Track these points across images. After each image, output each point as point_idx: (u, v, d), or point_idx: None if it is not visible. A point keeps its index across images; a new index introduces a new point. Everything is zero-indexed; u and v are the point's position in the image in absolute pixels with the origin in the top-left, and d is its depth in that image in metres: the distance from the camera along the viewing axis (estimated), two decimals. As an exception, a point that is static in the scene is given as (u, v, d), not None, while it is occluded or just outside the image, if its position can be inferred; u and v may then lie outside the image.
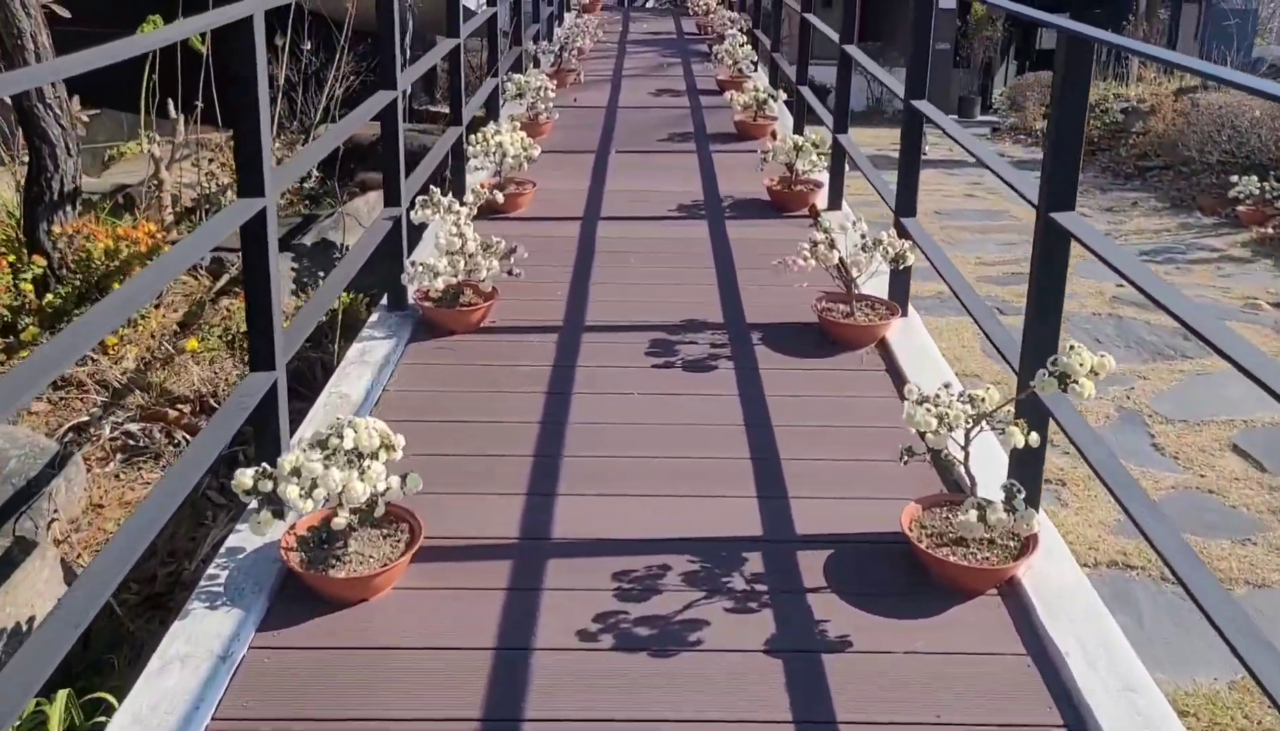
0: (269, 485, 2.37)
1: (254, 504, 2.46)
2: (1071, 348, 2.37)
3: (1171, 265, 7.27)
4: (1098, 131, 13.64)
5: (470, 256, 3.83)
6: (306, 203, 7.58)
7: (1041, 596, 2.49)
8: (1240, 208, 8.58)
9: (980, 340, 5.66)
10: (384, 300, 4.16)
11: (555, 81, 8.28)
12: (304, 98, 8.86)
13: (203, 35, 6.23)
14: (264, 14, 2.52)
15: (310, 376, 4.40)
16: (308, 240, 5.44)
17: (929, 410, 2.48)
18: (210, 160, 7.37)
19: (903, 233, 4.01)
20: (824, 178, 5.59)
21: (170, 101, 6.71)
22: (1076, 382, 2.34)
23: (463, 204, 4.12)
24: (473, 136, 5.35)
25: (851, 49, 5.17)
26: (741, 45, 8.38)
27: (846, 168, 5.51)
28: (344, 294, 4.69)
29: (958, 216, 9.03)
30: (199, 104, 6.70)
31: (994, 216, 8.91)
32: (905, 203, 4.09)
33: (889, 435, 3.28)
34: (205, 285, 5.14)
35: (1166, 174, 10.64)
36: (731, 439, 3.27)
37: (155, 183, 6.41)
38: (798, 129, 6.72)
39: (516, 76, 6.90)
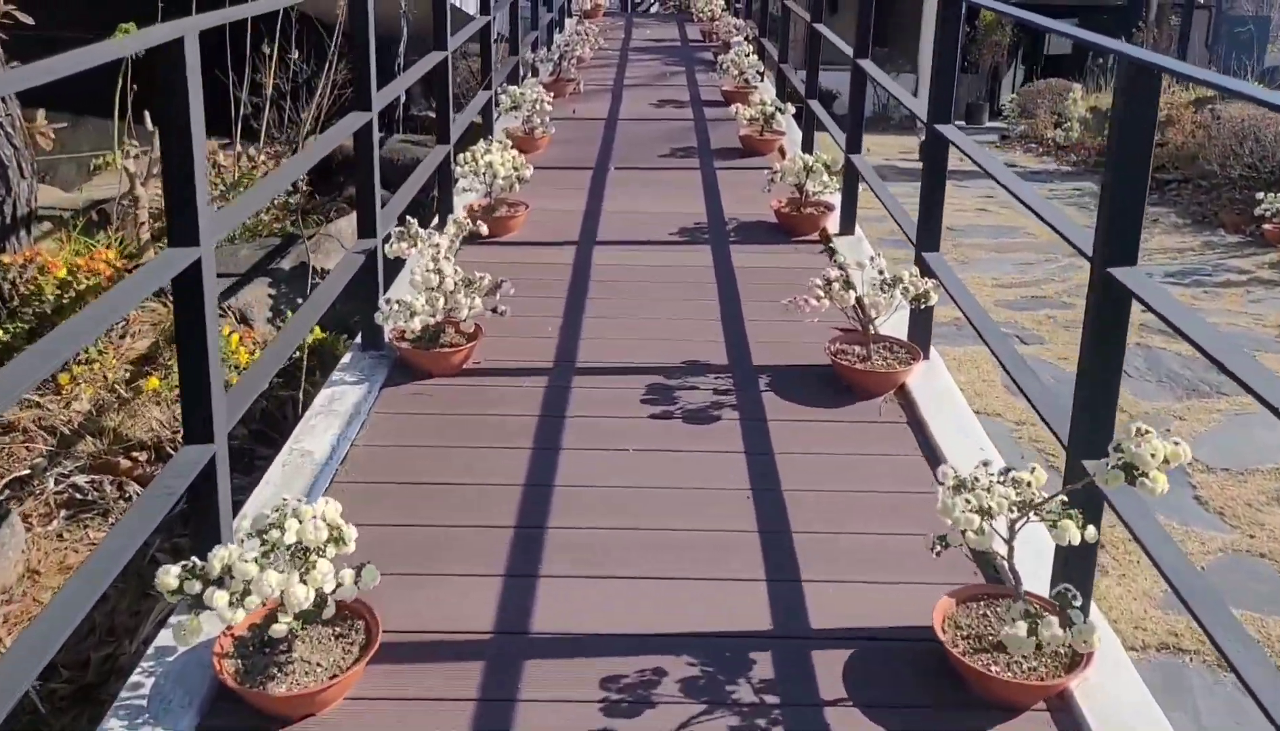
0: (197, 586, 2.02)
1: (183, 605, 2.11)
2: (1139, 431, 2.00)
3: (1199, 289, 6.91)
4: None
5: (450, 294, 3.48)
6: (293, 218, 7.23)
7: (1097, 713, 2.14)
8: (1267, 226, 8.20)
9: (1001, 373, 5.29)
10: (359, 338, 3.81)
11: (553, 91, 7.93)
12: (294, 106, 8.52)
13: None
14: (198, 37, 2.17)
15: (279, 419, 4.05)
16: (286, 264, 5.09)
17: (968, 502, 2.12)
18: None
19: (925, 269, 3.65)
20: (835, 199, 5.23)
21: (146, 112, 6.36)
22: (1145, 475, 1.97)
23: (443, 235, 3.76)
24: (461, 155, 5.00)
25: (866, 64, 4.82)
26: (747, 55, 8.03)
27: (860, 190, 5.16)
28: (317, 329, 4.34)
29: (971, 233, 8.67)
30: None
31: (1008, 233, 8.55)
32: (928, 235, 3.74)
33: (913, 503, 2.94)
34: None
35: (1186, 188, 10.27)
36: (737, 507, 2.91)
37: (130, 199, 6.06)
38: (806, 143, 6.37)
39: (512, 89, 6.55)
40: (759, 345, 3.94)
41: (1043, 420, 2.63)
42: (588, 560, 2.68)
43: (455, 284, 3.56)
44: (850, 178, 5.05)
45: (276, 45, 7.46)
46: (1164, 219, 9.27)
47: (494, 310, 3.65)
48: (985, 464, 2.29)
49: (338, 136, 3.51)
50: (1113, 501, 2.14)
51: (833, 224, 5.17)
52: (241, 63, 7.55)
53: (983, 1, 3.89)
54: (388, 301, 3.51)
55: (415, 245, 3.61)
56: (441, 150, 4.93)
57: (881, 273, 3.62)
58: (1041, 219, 2.66)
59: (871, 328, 3.62)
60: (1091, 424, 2.31)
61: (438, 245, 3.56)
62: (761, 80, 8.19)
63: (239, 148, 7.24)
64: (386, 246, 3.67)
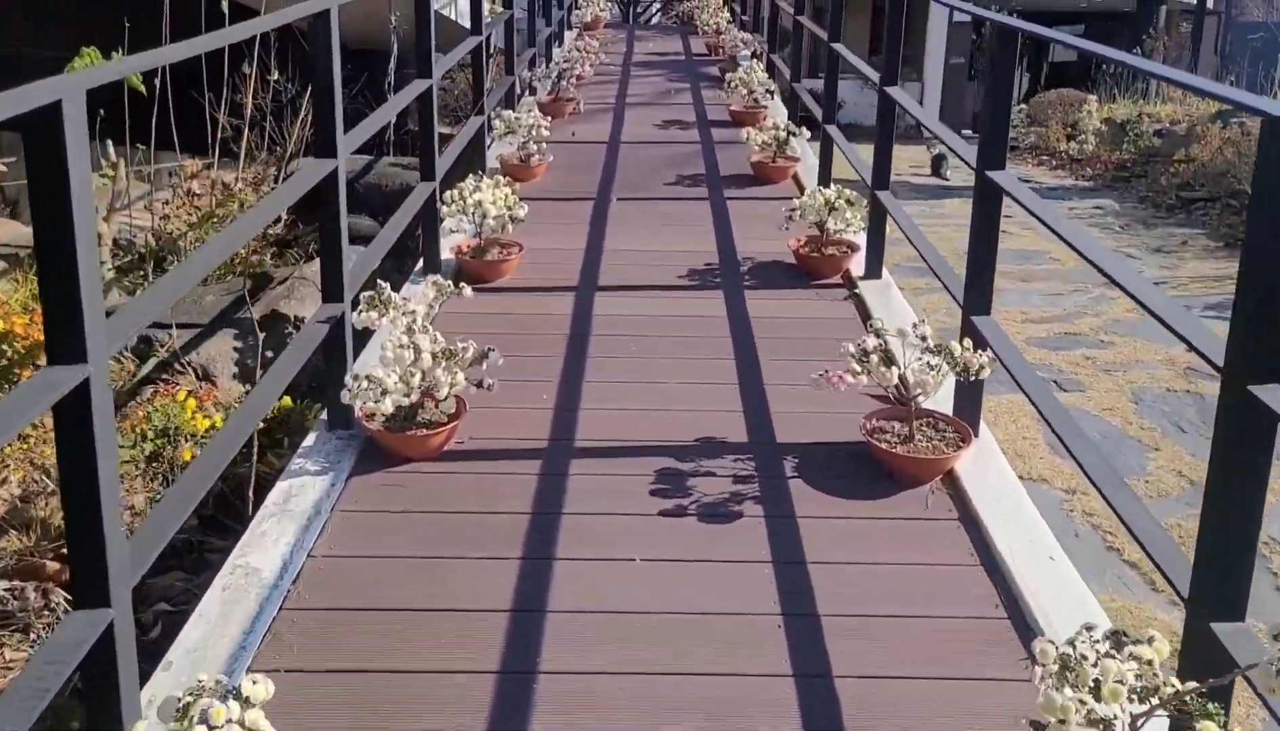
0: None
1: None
2: (1311, 617, 1.51)
3: (1243, 323, 6.41)
4: (1130, 156, 12.79)
5: (428, 370, 2.99)
6: (273, 253, 6.75)
7: None
8: (1306, 250, 7.72)
9: (1043, 429, 4.78)
10: (326, 414, 3.32)
11: (551, 112, 7.46)
12: (277, 126, 8.05)
13: (144, 75, 5.43)
14: (84, 97, 1.68)
15: (236, 503, 3.56)
16: (255, 313, 4.60)
17: (1081, 703, 1.62)
18: (166, 202, 6.55)
19: (975, 336, 3.16)
20: (860, 238, 4.74)
21: (109, 142, 5.88)
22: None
23: (419, 300, 3.28)
24: (448, 193, 4.52)
25: (897, 92, 4.33)
26: (757, 72, 7.54)
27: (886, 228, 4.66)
28: (285, 398, 3.86)
29: (993, 258, 8.16)
30: (141, 146, 5.89)
31: (1032, 258, 8.06)
32: (978, 296, 3.24)
33: (976, 630, 2.45)
34: (128, 370, 4.31)
35: (1214, 207, 9.78)
36: (766, 642, 2.41)
37: (93, 235, 5.58)
38: (824, 172, 5.88)
39: (506, 113, 6.06)
40: (782, 417, 3.44)
41: (1157, 567, 2.12)
42: (585, 723, 2.18)
43: (434, 357, 3.07)
44: (877, 217, 4.56)
45: (256, 65, 6.99)
46: (1194, 242, 8.78)
47: (479, 385, 3.16)
48: (1088, 628, 1.80)
49: (292, 193, 3.03)
50: (1267, 700, 1.64)
51: (857, 265, 4.68)
52: (222, 82, 7.08)
53: (1013, 23, 3.39)
54: (355, 377, 3.02)
55: (386, 314, 3.11)
56: (425, 188, 4.44)
57: (925, 339, 3.13)
58: (1161, 320, 2.12)
59: (914, 404, 3.13)
60: (1221, 583, 1.82)
61: (413, 313, 3.07)
62: (772, 98, 7.71)
63: (214, 174, 6.76)
64: (354, 315, 3.18)
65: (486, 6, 10.51)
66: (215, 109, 7.04)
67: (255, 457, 3.55)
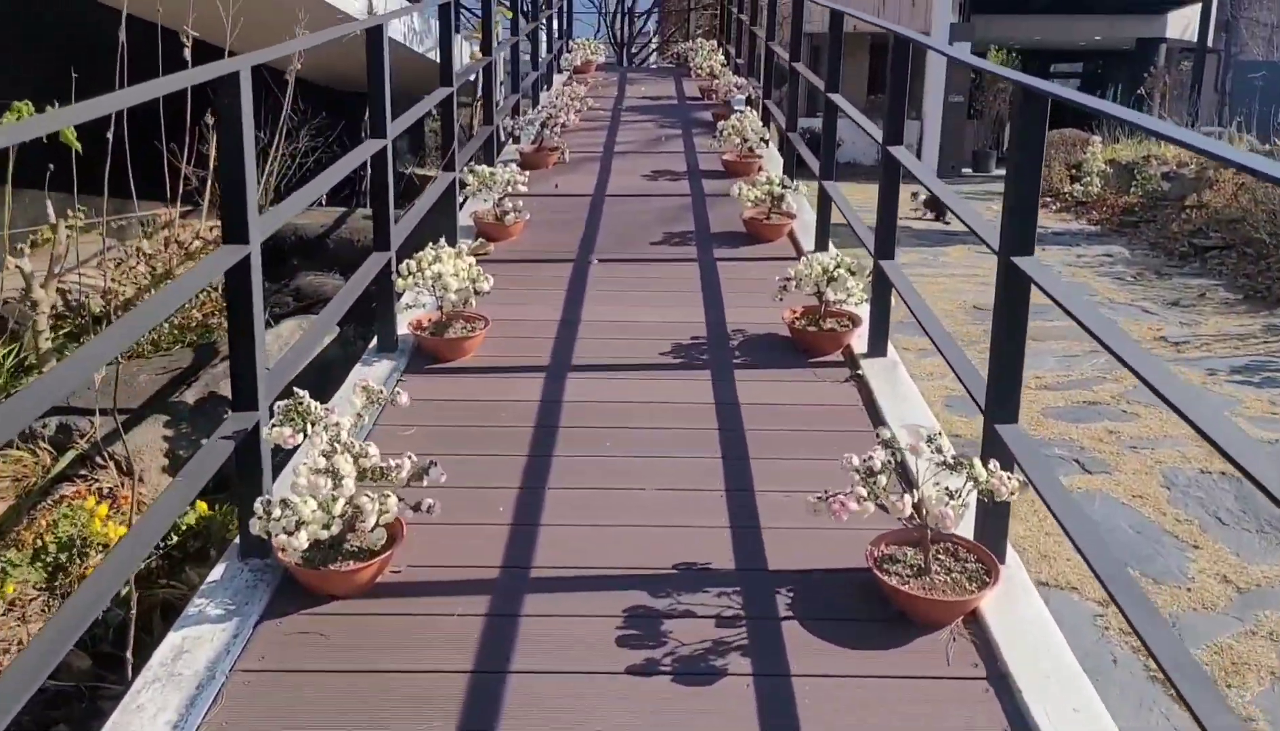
0: None
1: None
2: None
3: (1276, 389, 5.92)
4: (1138, 199, 12.36)
5: (351, 501, 2.50)
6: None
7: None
8: (1334, 306, 7.26)
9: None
10: (238, 540, 2.82)
11: (534, 163, 7.02)
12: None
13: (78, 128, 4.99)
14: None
15: (141, 635, 3.05)
16: (190, 396, 4.12)
17: None
18: (119, 262, 6.08)
19: (1003, 457, 2.66)
20: (863, 310, 4.26)
21: (49, 203, 5.43)
22: None
23: (363, 392, 2.79)
24: (405, 264, 4.04)
25: (900, 152, 3.87)
26: (750, 120, 7.10)
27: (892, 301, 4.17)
28: (200, 504, 3.36)
29: (1001, 313, 7.70)
30: (82, 212, 5.43)
31: (1041, 312, 7.55)
32: (1003, 402, 2.75)
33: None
34: (44, 465, 3.82)
35: (1229, 256, 9.32)
36: None
37: (29, 303, 5.11)
38: (821, 232, 5.42)
39: (480, 168, 5.61)
40: (776, 535, 2.94)
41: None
42: None
43: (363, 475, 2.58)
44: (881, 288, 4.08)
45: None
46: (1212, 294, 8.30)
47: (416, 508, 2.66)
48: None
49: (195, 282, 2.54)
50: None
51: (859, 341, 4.20)
52: (185, 130, 6.64)
53: (1010, 75, 2.94)
54: (267, 503, 2.52)
55: (304, 430, 2.62)
56: (379, 258, 3.97)
57: (940, 450, 2.64)
58: (1241, 469, 1.62)
59: (931, 530, 2.63)
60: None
61: (337, 425, 2.58)
62: (766, 147, 7.27)
63: (169, 232, 6.30)
64: (270, 430, 2.68)
65: (467, 51, 10.12)
66: (178, 158, 6.60)
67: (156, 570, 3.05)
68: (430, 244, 4.14)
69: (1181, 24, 23.58)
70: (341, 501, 2.46)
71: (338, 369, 4.75)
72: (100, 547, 3.34)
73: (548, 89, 10.13)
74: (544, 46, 10.61)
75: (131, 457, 3.90)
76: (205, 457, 2.55)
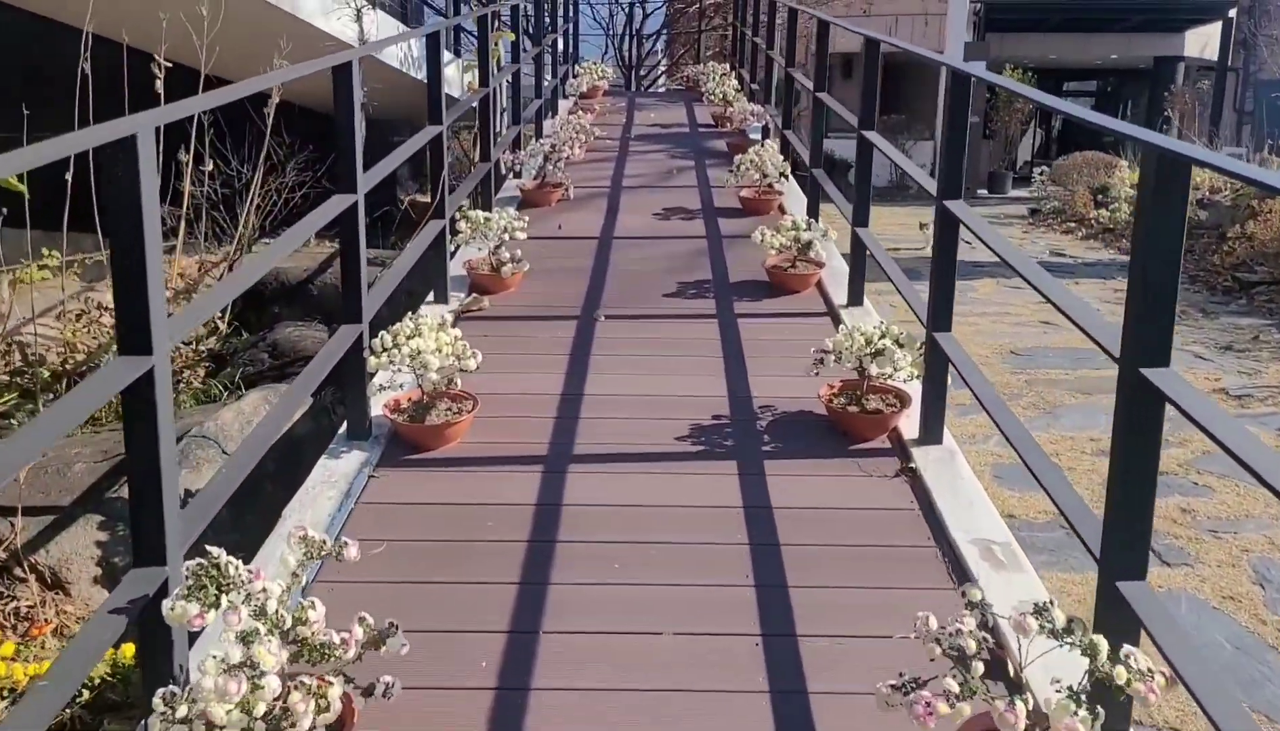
0: None
1: None
2: None
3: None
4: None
5: (279, 699, 1.88)
6: (208, 365, 5.68)
7: None
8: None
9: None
10: None
11: (537, 200, 6.45)
12: (225, 213, 7.05)
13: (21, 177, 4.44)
14: None
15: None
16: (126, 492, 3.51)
17: None
18: (80, 314, 5.50)
19: (1126, 624, 2.03)
20: (913, 386, 3.65)
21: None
22: None
23: (301, 543, 2.17)
24: (377, 339, 3.44)
25: (958, 207, 3.26)
26: (769, 153, 6.50)
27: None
28: (125, 648, 2.74)
29: (1040, 359, 7.07)
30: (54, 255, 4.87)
31: (1086, 360, 6.94)
32: (1126, 558, 2.11)
33: None
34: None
35: (1277, 291, 8.68)
36: None
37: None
38: (854, 286, 4.80)
39: (474, 214, 5.01)
40: (828, 707, 2.32)
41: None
42: None
43: (304, 653, 1.97)
44: (936, 363, 3.46)
45: (193, 151, 5.97)
46: (1266, 335, 7.65)
47: (369, 693, 2.05)
48: None
49: (82, 406, 1.93)
50: None
51: (909, 423, 3.58)
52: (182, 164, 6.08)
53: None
54: (170, 696, 1.90)
55: (216, 602, 1.99)
56: (349, 333, 3.37)
57: (1054, 629, 2.00)
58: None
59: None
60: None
61: (264, 593, 1.96)
62: (786, 181, 6.67)
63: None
64: (168, 602, 2.05)
65: (464, 81, 9.54)
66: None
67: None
68: (409, 314, 3.54)
69: (1200, 42, 22.98)
70: (263, 704, 1.84)
71: (310, 447, 4.15)
72: (8, 692, 2.74)
73: (553, 116, 9.56)
74: (550, 69, 10.05)
75: (58, 569, 3.30)
76: (92, 633, 1.94)
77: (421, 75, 9.88)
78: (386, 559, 2.85)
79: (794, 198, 6.73)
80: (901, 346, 3.55)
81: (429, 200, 8.60)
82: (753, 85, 9.49)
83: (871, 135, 4.55)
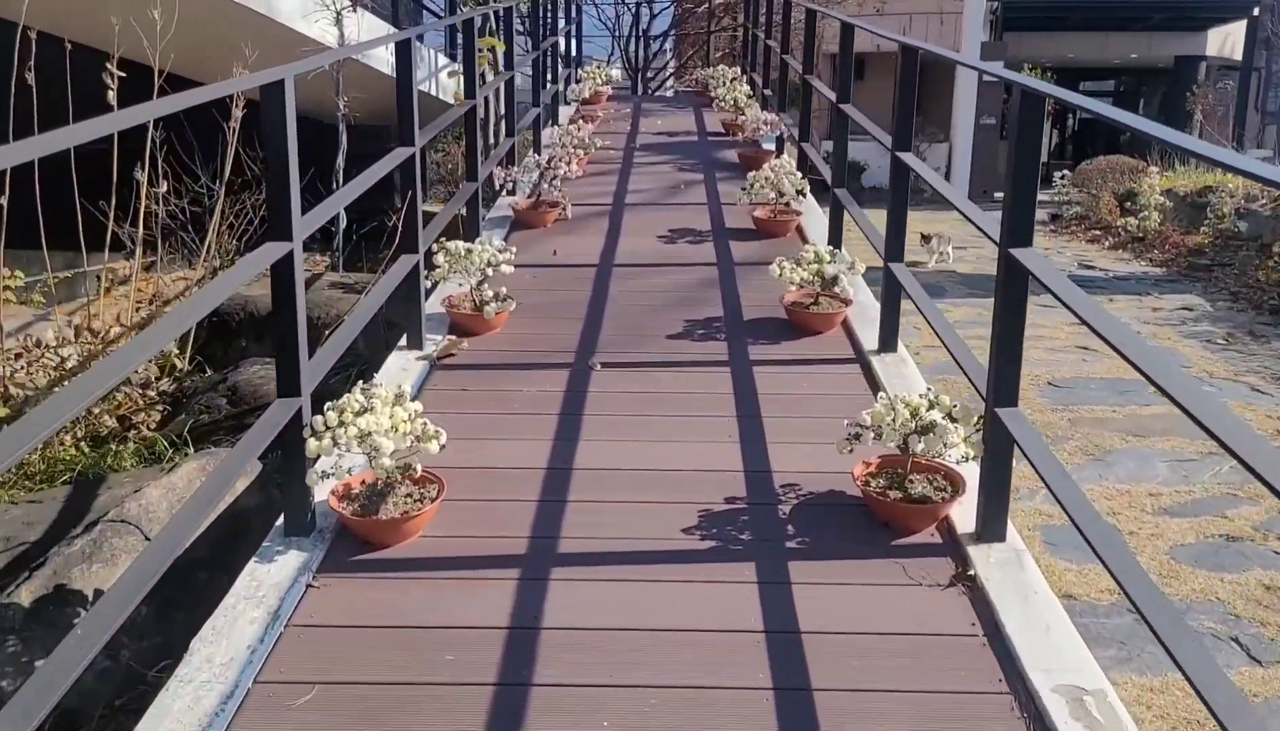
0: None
1: None
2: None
3: None
4: (1208, 239, 11.05)
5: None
6: (164, 409, 5.07)
7: None
8: None
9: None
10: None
11: (531, 220, 5.84)
12: (193, 234, 6.45)
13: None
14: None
15: None
16: (24, 596, 2.87)
17: None
18: (19, 354, 4.90)
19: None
20: (968, 468, 3.02)
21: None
22: None
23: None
24: (322, 416, 2.82)
25: (1030, 256, 2.63)
26: (786, 169, 5.87)
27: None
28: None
29: (1081, 392, 6.42)
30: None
31: (1132, 393, 6.30)
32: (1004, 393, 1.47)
33: None
34: None
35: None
36: None
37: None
38: (887, 329, 4.17)
39: (453, 246, 4.39)
40: None
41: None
42: None
43: None
44: (1000, 450, 2.82)
45: (147, 171, 5.35)
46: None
47: None
48: None
49: None
50: None
51: (963, 512, 2.95)
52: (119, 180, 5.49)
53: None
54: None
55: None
56: (286, 407, 2.75)
57: None
58: None
59: None
60: None
61: None
62: (804, 198, 6.05)
63: (80, 317, 5.12)
64: None
65: (453, 86, 8.90)
66: (109, 215, 5.44)
67: None
68: (359, 385, 2.91)
69: (1222, 41, 22.27)
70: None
71: (257, 522, 3.55)
72: None
73: (553, 124, 8.94)
74: (550, 73, 9.42)
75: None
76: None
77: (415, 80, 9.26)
78: (316, 711, 2.24)
79: (812, 216, 6.10)
80: (955, 421, 2.92)
81: (433, 209, 7.94)
82: (765, 90, 8.85)
83: (908, 157, 3.93)
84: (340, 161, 6.92)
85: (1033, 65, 20.51)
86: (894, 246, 4.04)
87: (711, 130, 9.06)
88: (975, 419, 2.92)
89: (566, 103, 9.63)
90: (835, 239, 5.24)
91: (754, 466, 3.32)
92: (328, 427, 2.74)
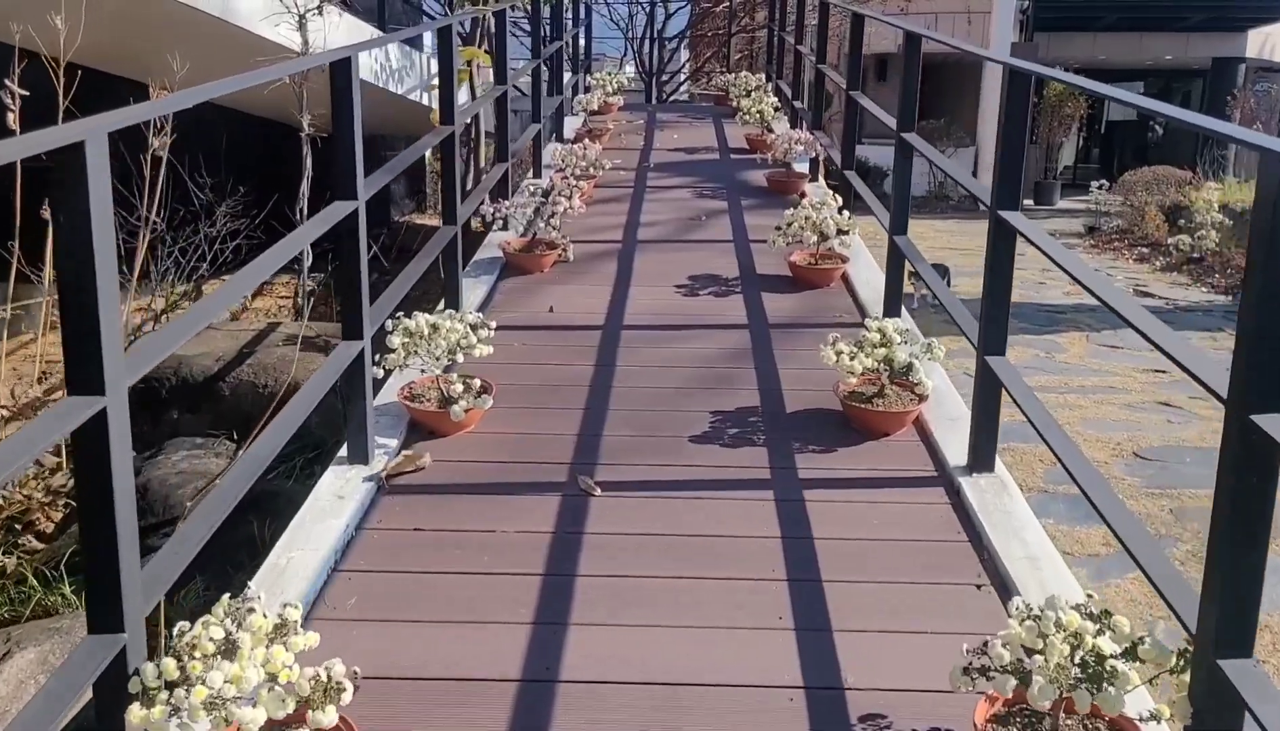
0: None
1: None
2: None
3: None
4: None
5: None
6: (65, 509, 4.06)
7: None
8: None
9: None
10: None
11: (524, 266, 4.83)
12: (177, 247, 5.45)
13: None
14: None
15: None
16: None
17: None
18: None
19: None
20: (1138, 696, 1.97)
21: None
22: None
23: None
24: (170, 657, 1.79)
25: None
26: (831, 208, 4.82)
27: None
28: None
29: (1176, 467, 5.35)
30: None
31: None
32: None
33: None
34: None
35: None
36: None
37: None
38: (982, 443, 3.11)
39: (415, 322, 3.34)
40: None
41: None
42: None
43: None
44: (989, 388, 1.76)
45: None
46: None
47: None
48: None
49: None
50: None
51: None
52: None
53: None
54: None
55: None
56: (96, 649, 1.72)
57: None
58: None
59: None
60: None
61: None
62: (849, 239, 4.99)
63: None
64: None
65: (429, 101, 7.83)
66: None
67: None
68: (226, 598, 1.88)
69: (1261, 42, 21.04)
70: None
71: None
72: None
73: (556, 138, 7.90)
74: (558, 83, 8.37)
75: None
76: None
77: (402, 89, 8.22)
78: None
79: (860, 262, 5.03)
80: (1138, 660, 1.87)
81: (433, 222, 6.83)
82: (795, 103, 7.77)
83: (1014, 217, 2.87)
84: (305, 188, 5.86)
85: (1064, 67, 19.37)
86: (993, 338, 2.98)
87: (734, 146, 7.99)
88: (1174, 658, 1.86)
89: (573, 113, 8.58)
90: (893, 302, 4.19)
91: (817, 676, 2.27)
92: (160, 689, 1.70)
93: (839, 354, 3.36)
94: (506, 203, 5.06)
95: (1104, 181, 15.57)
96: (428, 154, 7.61)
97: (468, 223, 5.08)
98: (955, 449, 3.21)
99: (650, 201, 6.37)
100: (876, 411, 3.35)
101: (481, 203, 4.96)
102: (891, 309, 4.26)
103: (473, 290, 4.66)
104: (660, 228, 5.81)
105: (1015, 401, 2.80)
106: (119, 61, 5.94)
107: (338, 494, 2.95)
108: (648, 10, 13.23)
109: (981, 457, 3.08)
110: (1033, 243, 2.73)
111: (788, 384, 3.78)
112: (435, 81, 8.04)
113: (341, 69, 2.93)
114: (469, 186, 7.10)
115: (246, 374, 4.64)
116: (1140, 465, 5.39)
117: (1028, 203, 18.97)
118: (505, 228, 5.33)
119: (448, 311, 3.47)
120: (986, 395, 3.03)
